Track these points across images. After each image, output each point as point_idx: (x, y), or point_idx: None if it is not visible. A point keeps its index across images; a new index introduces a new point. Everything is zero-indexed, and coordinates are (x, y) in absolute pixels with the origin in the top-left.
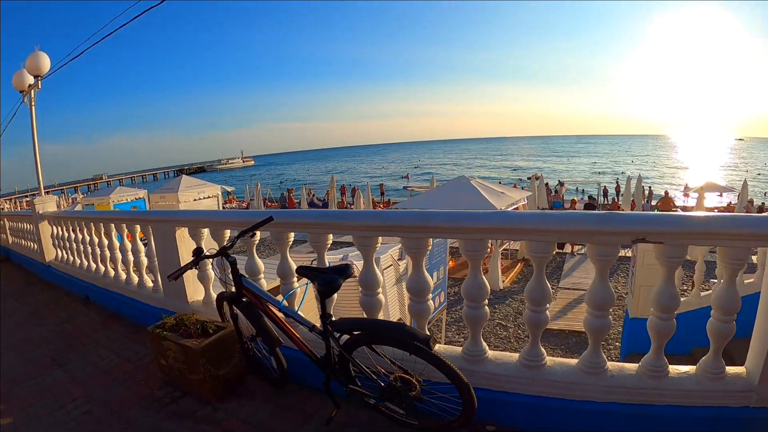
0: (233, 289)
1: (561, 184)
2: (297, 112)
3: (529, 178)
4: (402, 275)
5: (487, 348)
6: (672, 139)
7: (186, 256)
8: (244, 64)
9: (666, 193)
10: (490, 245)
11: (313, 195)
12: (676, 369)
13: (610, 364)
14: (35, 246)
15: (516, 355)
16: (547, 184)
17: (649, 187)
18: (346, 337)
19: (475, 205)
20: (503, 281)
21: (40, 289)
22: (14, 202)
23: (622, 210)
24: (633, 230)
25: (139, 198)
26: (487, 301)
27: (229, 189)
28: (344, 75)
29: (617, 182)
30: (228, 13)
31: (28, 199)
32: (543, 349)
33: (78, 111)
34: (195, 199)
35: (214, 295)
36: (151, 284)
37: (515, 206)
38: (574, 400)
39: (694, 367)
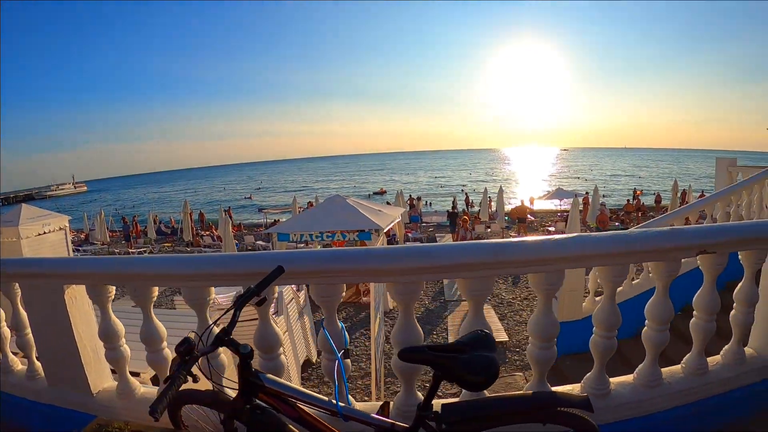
0: (220, 387)
1: (418, 198)
2: (134, 131)
3: (376, 193)
4: (303, 307)
5: None
6: (503, 152)
7: (85, 329)
8: (69, 76)
9: (522, 202)
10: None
11: (160, 222)
12: (711, 360)
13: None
14: None
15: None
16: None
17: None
18: None
19: (359, 223)
20: None
21: None
22: None
23: (479, 219)
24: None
25: None
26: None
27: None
28: (178, 93)
29: (467, 195)
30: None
31: None
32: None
33: None
34: (38, 234)
35: (133, 379)
36: (21, 367)
37: (394, 223)
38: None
39: (719, 356)
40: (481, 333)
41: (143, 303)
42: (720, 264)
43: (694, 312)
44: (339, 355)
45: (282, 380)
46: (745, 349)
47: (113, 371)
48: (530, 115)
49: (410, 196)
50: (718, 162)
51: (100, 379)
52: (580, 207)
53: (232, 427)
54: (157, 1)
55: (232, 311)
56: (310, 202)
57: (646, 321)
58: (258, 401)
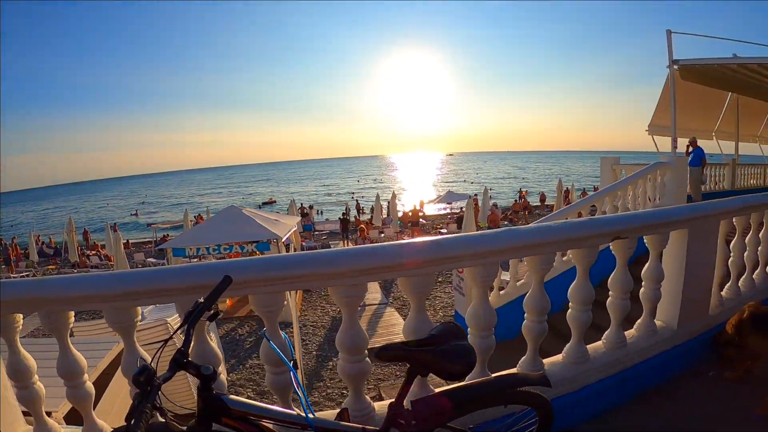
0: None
1: (310, 207)
2: None
3: (266, 203)
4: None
5: None
6: (390, 158)
7: None
8: None
9: (414, 206)
10: None
11: (42, 243)
12: (628, 334)
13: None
14: None
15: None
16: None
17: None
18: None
19: (257, 233)
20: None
21: None
22: None
23: (371, 225)
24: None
25: None
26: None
27: None
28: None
29: (357, 201)
30: None
31: None
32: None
33: None
34: None
35: (52, 421)
36: None
37: (291, 232)
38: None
39: (633, 330)
40: (452, 325)
41: (59, 331)
42: (630, 247)
43: (610, 292)
44: (291, 366)
45: (246, 400)
46: (656, 321)
47: (25, 413)
48: (416, 121)
49: (301, 204)
50: (602, 161)
51: (11, 426)
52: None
53: None
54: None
55: (183, 331)
56: (200, 215)
57: (570, 303)
58: (219, 426)
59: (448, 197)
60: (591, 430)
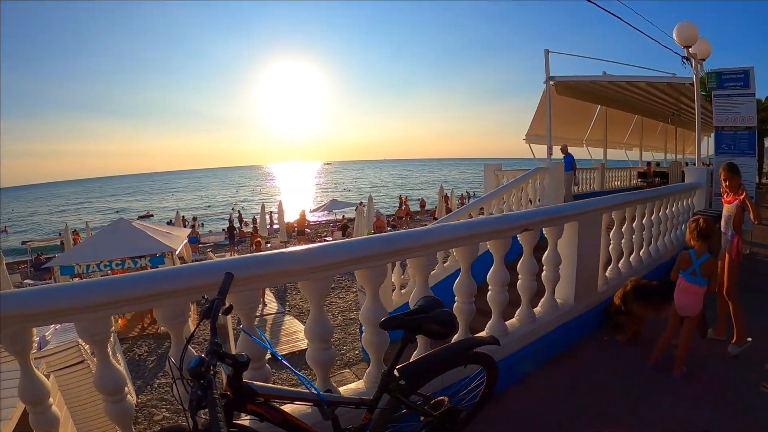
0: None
1: (194, 219)
2: None
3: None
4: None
5: None
6: (267, 168)
7: None
8: None
9: (302, 214)
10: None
11: None
12: (536, 311)
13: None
14: None
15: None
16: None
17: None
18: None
19: (152, 247)
20: None
21: None
22: None
23: (257, 234)
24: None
25: None
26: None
27: None
28: None
29: (239, 212)
30: None
31: None
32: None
33: None
34: None
35: None
36: None
37: (183, 244)
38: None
39: (539, 307)
40: (431, 297)
41: (24, 351)
42: (535, 237)
43: (519, 276)
44: (279, 355)
45: (269, 384)
46: (556, 299)
47: None
48: (294, 131)
49: (183, 217)
50: (486, 167)
51: None
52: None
53: None
54: None
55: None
56: (76, 231)
57: (490, 287)
58: (245, 414)
59: (333, 205)
60: (517, 392)
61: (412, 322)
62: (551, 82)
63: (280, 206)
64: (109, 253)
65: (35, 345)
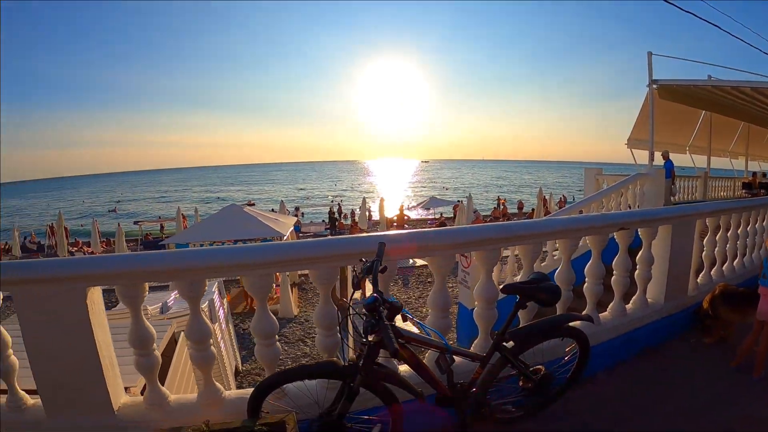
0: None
1: (297, 209)
2: None
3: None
4: (227, 315)
5: None
6: (365, 164)
7: (103, 338)
8: None
9: (401, 209)
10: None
11: (25, 237)
12: (628, 307)
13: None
14: None
15: None
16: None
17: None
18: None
19: (262, 231)
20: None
21: None
22: None
23: (357, 227)
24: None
25: None
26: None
27: None
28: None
29: (339, 205)
30: None
31: None
32: None
33: None
34: None
35: (162, 387)
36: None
37: (290, 231)
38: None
39: (631, 304)
40: (539, 272)
41: (194, 298)
42: (630, 237)
43: (614, 271)
44: (406, 311)
45: (407, 328)
46: (647, 297)
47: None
48: (391, 127)
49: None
50: (586, 172)
51: (118, 395)
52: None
53: (356, 390)
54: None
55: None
56: (159, 217)
57: (586, 279)
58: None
59: (432, 203)
60: (606, 377)
61: (527, 289)
62: (654, 86)
63: (381, 201)
64: (220, 235)
65: (158, 308)
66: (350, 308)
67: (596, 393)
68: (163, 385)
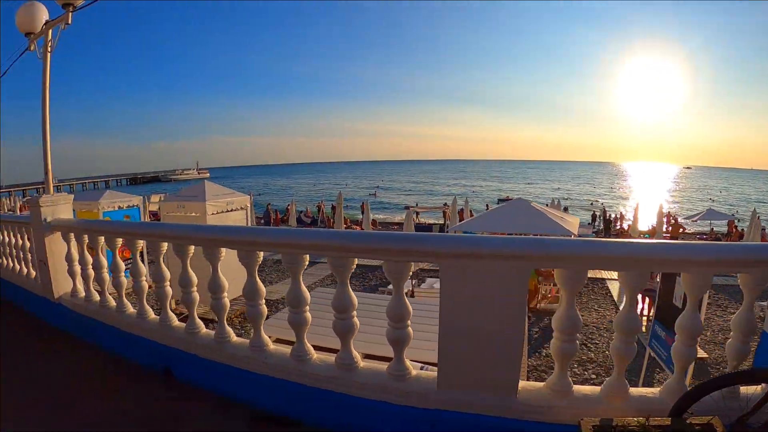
0: None
1: (566, 209)
2: (240, 125)
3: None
4: None
5: None
6: (620, 166)
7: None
8: (191, 73)
9: (676, 220)
10: None
11: (300, 212)
12: None
13: None
14: (35, 272)
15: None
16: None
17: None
18: None
19: (551, 228)
20: None
21: (51, 345)
22: None
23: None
24: None
25: (133, 206)
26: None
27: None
28: (287, 90)
29: (604, 209)
30: (180, 18)
31: (23, 198)
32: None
33: (22, 110)
34: (219, 212)
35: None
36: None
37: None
38: None
39: None
40: None
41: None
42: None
43: None
44: None
45: None
46: None
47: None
48: (646, 129)
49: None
50: None
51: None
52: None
53: None
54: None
55: None
56: (445, 203)
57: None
58: None
59: (709, 215)
60: None
61: None
62: None
63: (660, 209)
64: (508, 227)
65: None
66: None
67: None
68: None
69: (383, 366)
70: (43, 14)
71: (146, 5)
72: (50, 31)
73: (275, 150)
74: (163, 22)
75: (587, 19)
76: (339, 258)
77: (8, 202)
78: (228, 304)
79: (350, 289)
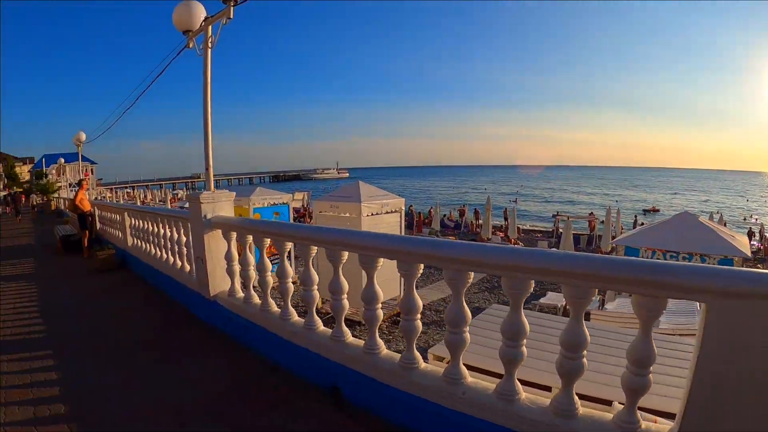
0: None
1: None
2: (382, 127)
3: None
4: None
5: None
6: None
7: None
8: (336, 76)
9: None
10: None
11: (444, 215)
12: None
13: None
14: (189, 267)
15: None
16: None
17: None
18: None
19: (721, 247)
20: None
21: (203, 342)
22: (114, 192)
23: None
24: None
25: (283, 203)
26: None
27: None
28: (422, 93)
29: (762, 225)
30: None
31: (180, 192)
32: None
33: (172, 111)
34: (373, 213)
35: None
36: None
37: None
38: None
39: None
40: None
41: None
42: None
43: None
44: None
45: None
46: None
47: None
48: None
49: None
50: None
51: None
52: None
53: None
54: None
55: None
56: (591, 212)
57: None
58: None
59: None
60: None
61: None
62: None
63: None
64: (675, 245)
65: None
66: None
67: None
68: None
69: (609, 416)
70: (201, 12)
71: (305, 6)
72: (210, 28)
73: (410, 151)
74: (315, 26)
75: (738, 17)
76: (575, 288)
77: (159, 194)
78: (420, 326)
79: (523, 315)
